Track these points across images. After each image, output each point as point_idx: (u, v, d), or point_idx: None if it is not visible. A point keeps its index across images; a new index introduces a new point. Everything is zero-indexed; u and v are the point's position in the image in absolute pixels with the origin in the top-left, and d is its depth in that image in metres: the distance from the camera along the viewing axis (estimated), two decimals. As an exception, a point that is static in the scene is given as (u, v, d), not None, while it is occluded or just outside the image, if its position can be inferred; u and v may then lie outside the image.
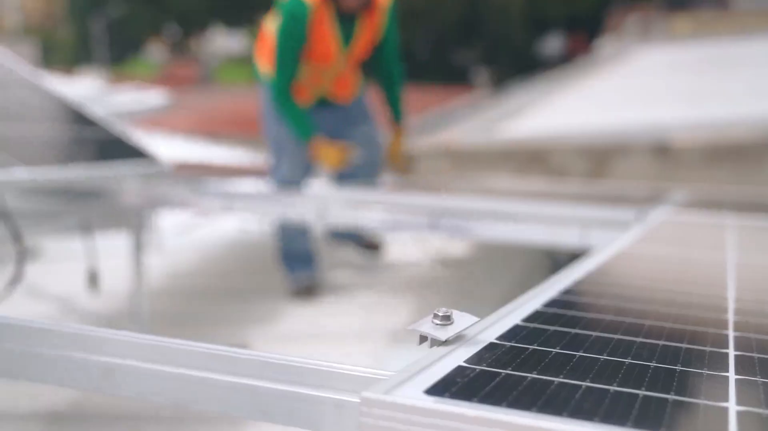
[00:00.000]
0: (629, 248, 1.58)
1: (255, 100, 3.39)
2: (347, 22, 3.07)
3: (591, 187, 3.83)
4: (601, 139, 5.38)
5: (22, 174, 1.60)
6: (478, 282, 3.50)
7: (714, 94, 7.45)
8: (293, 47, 3.03)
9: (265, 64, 3.24)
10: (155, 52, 30.67)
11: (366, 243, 3.56)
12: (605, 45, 14.38)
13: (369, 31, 3.13)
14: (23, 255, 1.67)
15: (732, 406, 0.64)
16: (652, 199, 2.83)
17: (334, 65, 3.13)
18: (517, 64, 21.83)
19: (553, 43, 23.69)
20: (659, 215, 2.20)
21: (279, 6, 3.07)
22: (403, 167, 3.48)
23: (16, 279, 1.62)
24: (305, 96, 3.18)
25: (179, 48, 30.12)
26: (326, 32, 3.04)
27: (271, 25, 3.24)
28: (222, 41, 31.72)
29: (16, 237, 1.61)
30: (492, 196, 2.77)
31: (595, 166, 5.24)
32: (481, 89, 19.28)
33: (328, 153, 3.08)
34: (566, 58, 20.14)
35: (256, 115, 3.40)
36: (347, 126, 3.28)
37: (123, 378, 0.90)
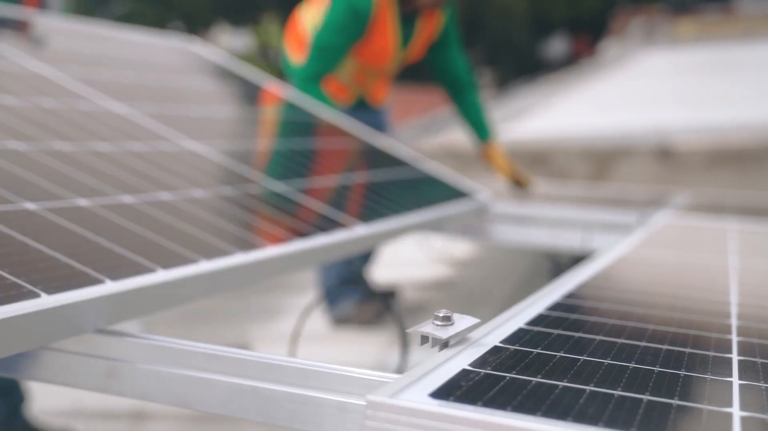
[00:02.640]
0: (632, 252, 1.58)
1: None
2: (408, 20, 2.83)
3: (593, 189, 3.83)
4: (604, 141, 5.38)
5: (361, 230, 1.46)
6: (480, 285, 3.50)
7: (717, 97, 7.44)
8: (342, 43, 2.75)
9: (297, 57, 2.98)
10: (159, 50, 30.67)
11: (376, 293, 3.07)
12: (609, 47, 14.39)
13: (427, 32, 2.90)
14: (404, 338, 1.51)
15: (736, 412, 0.64)
16: (654, 203, 2.83)
17: (387, 66, 2.92)
18: (521, 65, 21.82)
19: (556, 45, 23.70)
20: (661, 219, 2.20)
21: None
22: (525, 181, 3.05)
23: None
24: (345, 95, 2.99)
25: (183, 46, 30.12)
26: (387, 31, 2.79)
27: (306, 13, 3.00)
28: (227, 40, 31.74)
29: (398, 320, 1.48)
30: (494, 197, 2.77)
31: (597, 168, 5.23)
32: (485, 90, 19.30)
33: None
34: (570, 60, 20.14)
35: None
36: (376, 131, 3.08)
37: (125, 378, 0.90)
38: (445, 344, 0.77)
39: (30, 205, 0.99)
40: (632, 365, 0.76)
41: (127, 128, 1.49)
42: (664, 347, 0.85)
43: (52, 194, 1.06)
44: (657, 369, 0.75)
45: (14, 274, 0.80)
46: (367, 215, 1.57)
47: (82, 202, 1.07)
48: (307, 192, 1.57)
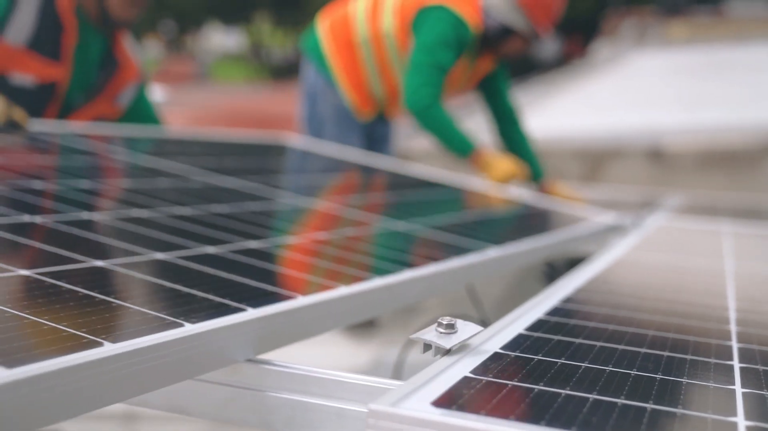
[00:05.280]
0: (627, 255, 1.58)
1: (251, 98, 3.26)
2: (476, 55, 2.83)
3: (586, 190, 3.82)
4: (597, 142, 5.38)
5: (495, 252, 1.50)
6: (474, 285, 3.49)
7: (708, 99, 7.46)
8: (453, 62, 2.66)
9: (334, 53, 2.88)
10: (151, 48, 30.61)
11: None
12: (601, 49, 14.41)
13: (483, 68, 2.92)
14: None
15: (741, 421, 0.63)
16: (647, 204, 2.83)
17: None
18: (513, 66, 21.82)
19: (548, 46, 23.72)
20: (655, 221, 2.20)
21: (432, 8, 2.69)
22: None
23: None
24: (370, 109, 2.95)
25: (175, 45, 30.04)
26: (463, 65, 2.77)
27: (356, 4, 2.89)
28: (218, 39, 31.66)
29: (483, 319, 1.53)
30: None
31: (590, 169, 5.24)
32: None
33: (499, 165, 2.68)
34: (562, 61, 20.15)
35: (294, 109, 3.08)
36: (383, 143, 3.08)
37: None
38: (447, 352, 0.76)
39: (160, 255, 1.01)
40: (634, 372, 0.75)
41: (239, 196, 1.54)
42: (665, 354, 0.84)
43: (179, 245, 1.08)
44: (659, 376, 0.75)
45: (154, 310, 0.80)
46: (497, 240, 1.63)
47: (210, 249, 1.10)
48: (431, 228, 1.62)
